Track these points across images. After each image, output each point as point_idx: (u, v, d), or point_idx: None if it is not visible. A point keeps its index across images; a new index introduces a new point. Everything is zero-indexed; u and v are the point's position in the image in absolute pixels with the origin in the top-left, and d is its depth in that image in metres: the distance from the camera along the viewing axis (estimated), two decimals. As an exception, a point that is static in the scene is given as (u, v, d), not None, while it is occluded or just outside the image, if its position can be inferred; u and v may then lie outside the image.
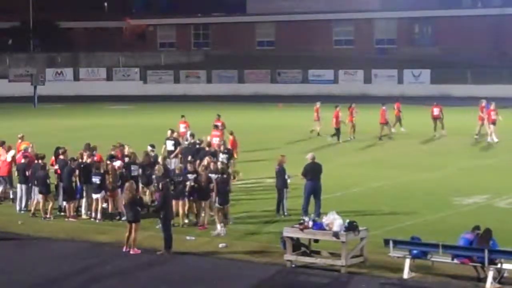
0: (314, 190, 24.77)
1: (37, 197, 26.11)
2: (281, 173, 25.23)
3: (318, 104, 46.11)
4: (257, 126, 51.59)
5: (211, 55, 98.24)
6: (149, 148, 28.59)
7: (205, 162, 25.41)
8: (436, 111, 44.71)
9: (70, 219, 25.57)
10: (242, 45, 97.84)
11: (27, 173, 26.82)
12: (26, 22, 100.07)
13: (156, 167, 25.29)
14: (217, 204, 23.77)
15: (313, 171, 24.89)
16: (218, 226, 23.41)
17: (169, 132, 32.88)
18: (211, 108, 65.04)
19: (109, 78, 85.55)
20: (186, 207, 24.56)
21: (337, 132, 42.73)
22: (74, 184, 26.08)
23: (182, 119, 39.45)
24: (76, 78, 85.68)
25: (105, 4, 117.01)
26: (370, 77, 78.24)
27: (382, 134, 43.86)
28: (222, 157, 28.53)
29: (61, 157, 27.15)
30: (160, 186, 23.06)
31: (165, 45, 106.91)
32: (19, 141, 30.65)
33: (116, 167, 25.80)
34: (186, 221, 24.43)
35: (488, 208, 26.42)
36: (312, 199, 24.88)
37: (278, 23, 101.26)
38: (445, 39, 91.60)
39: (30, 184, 26.69)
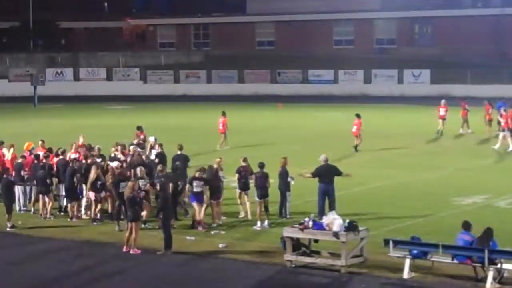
0: (327, 192, 24.44)
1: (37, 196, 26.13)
2: (283, 175, 25.21)
3: (443, 102, 44.81)
4: (257, 126, 51.57)
5: (211, 55, 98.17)
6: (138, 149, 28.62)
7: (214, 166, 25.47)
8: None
9: (73, 219, 25.57)
10: (242, 45, 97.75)
11: (22, 173, 26.76)
12: (26, 22, 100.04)
13: (138, 169, 25.31)
14: (256, 198, 24.27)
15: (326, 173, 24.61)
16: (259, 222, 23.93)
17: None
18: (211, 108, 65.10)
19: (109, 78, 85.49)
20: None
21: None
22: (76, 184, 26.04)
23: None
24: (76, 78, 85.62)
25: (105, 4, 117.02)
26: (370, 77, 78.18)
27: None
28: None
29: (61, 157, 27.16)
30: (158, 186, 23.13)
31: (165, 45, 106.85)
32: (81, 140, 29.97)
33: (115, 167, 25.77)
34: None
35: (488, 208, 26.41)
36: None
37: (278, 23, 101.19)
38: (445, 39, 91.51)
39: (27, 184, 26.68)
